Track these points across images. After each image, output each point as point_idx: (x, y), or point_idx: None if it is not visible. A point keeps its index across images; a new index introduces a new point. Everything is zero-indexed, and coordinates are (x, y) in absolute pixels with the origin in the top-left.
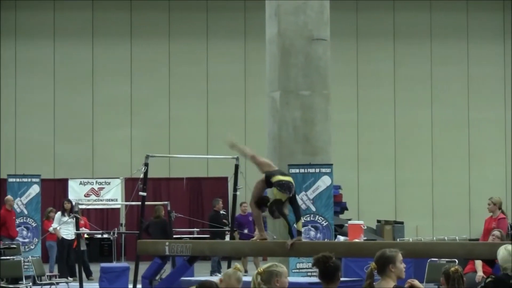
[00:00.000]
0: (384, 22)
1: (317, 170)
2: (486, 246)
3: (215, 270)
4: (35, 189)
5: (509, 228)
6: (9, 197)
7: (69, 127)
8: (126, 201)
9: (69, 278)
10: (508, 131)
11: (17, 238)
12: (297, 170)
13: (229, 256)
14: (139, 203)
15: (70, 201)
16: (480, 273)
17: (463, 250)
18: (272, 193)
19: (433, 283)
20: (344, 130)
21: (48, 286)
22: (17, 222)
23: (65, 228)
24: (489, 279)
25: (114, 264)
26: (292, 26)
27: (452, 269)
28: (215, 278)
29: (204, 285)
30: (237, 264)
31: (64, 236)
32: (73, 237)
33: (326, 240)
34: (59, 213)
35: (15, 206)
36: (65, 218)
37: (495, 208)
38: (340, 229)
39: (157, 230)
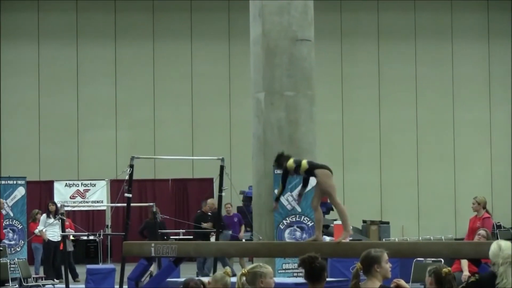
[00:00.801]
0: (368, 22)
1: None
2: (471, 246)
3: (201, 270)
4: (20, 191)
5: (494, 227)
6: None
7: (54, 129)
8: (111, 202)
9: (55, 280)
10: (493, 131)
11: (3, 240)
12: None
13: (215, 257)
14: (125, 204)
15: (54, 203)
16: (466, 273)
17: (449, 250)
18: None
19: (419, 283)
20: (329, 131)
21: None
22: (3, 224)
23: (50, 230)
24: (472, 279)
25: (100, 265)
26: (276, 26)
27: (445, 270)
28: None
29: (189, 284)
30: (227, 268)
31: (50, 238)
32: (59, 239)
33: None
34: (44, 215)
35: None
36: (51, 220)
37: (480, 208)
38: (326, 229)
39: (153, 231)
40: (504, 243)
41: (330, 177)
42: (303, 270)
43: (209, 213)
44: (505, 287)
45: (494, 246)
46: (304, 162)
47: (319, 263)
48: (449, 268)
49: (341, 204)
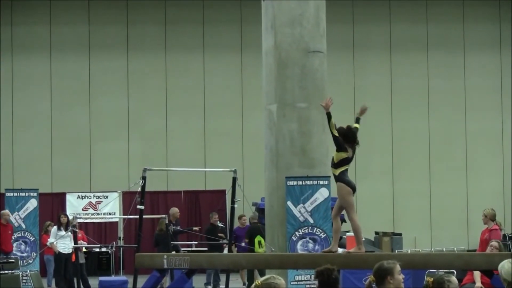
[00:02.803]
0: (381, 34)
1: (315, 182)
2: (483, 257)
3: (209, 283)
4: (33, 203)
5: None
6: (5, 211)
7: (66, 141)
8: (124, 214)
9: None
10: (505, 142)
11: (15, 252)
12: (295, 183)
13: (227, 269)
14: (137, 216)
15: (66, 215)
16: (478, 284)
17: (461, 261)
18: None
19: None
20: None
21: None
22: (15, 236)
23: (61, 242)
24: None
25: (113, 277)
26: (288, 38)
27: (429, 279)
28: None
29: None
30: (257, 281)
31: (61, 250)
32: (70, 251)
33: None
34: (55, 227)
35: (13, 220)
36: (62, 233)
37: (488, 220)
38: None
39: (165, 242)
40: None
41: (349, 194)
42: (316, 282)
43: (220, 225)
44: None
45: (508, 265)
46: (337, 171)
47: (335, 275)
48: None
49: (356, 221)
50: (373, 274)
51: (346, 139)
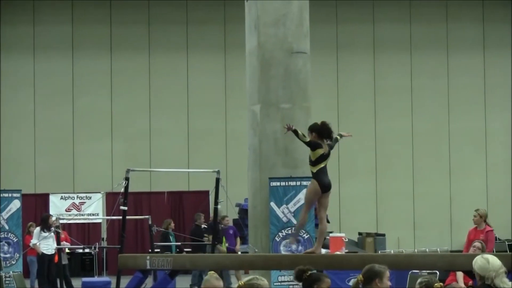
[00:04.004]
0: (364, 34)
1: (298, 183)
2: (466, 258)
3: (195, 283)
4: (16, 204)
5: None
6: None
7: (49, 142)
8: (107, 215)
9: None
10: (489, 142)
11: None
12: (278, 183)
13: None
14: (121, 217)
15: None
16: (461, 285)
17: (444, 262)
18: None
19: None
20: None
21: None
22: None
23: (44, 243)
24: None
25: (96, 278)
26: (272, 38)
27: (437, 285)
28: None
29: None
30: (241, 281)
31: (44, 251)
32: (53, 251)
33: None
34: (37, 228)
35: None
36: (45, 234)
37: (481, 221)
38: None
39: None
40: (489, 256)
41: (314, 192)
42: (299, 283)
43: (203, 226)
44: None
45: (480, 260)
46: (315, 168)
47: (309, 275)
48: (441, 284)
49: (305, 218)
50: (362, 274)
51: (321, 134)
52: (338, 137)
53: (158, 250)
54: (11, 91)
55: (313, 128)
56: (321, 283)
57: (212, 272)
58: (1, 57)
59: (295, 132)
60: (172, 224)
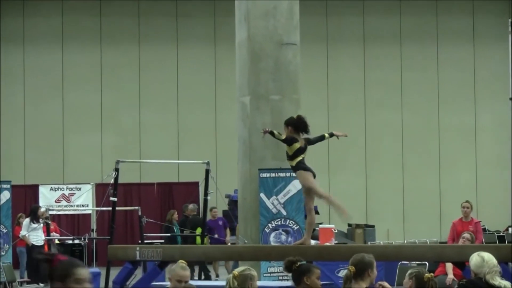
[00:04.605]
0: (354, 26)
1: (288, 174)
2: (455, 249)
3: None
4: (5, 196)
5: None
6: None
7: (39, 133)
8: (97, 206)
9: (40, 284)
10: (479, 136)
11: None
12: (268, 175)
13: (200, 261)
14: (110, 208)
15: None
16: (450, 276)
17: (433, 253)
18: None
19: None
20: (314, 135)
21: None
22: None
23: (34, 234)
24: (461, 282)
25: None
26: (262, 30)
27: (427, 275)
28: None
29: None
30: (235, 272)
31: (34, 242)
32: (42, 243)
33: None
34: (27, 219)
35: None
36: (34, 225)
37: (470, 212)
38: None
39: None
40: (486, 254)
41: (309, 177)
42: (289, 274)
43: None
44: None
45: (475, 258)
46: (294, 162)
47: (298, 266)
48: (432, 274)
49: (324, 193)
50: (354, 265)
51: (297, 128)
52: (327, 135)
53: (163, 241)
54: (0, 84)
55: (289, 122)
56: (311, 274)
57: (181, 261)
58: None
59: (271, 133)
60: (176, 215)
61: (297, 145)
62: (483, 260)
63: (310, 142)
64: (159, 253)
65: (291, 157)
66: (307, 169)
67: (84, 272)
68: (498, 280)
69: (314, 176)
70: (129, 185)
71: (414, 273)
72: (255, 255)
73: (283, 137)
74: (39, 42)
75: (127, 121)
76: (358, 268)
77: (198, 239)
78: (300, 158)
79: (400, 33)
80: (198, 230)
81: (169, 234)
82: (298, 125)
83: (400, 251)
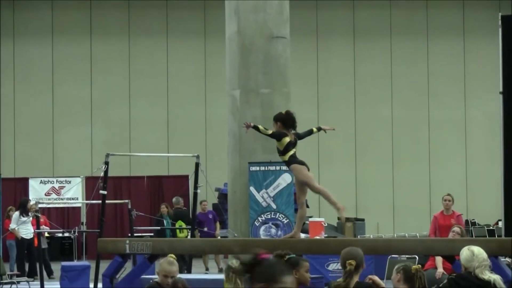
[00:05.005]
0: (344, 20)
1: (278, 168)
2: (445, 243)
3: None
4: None
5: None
6: None
7: (29, 126)
8: (86, 199)
9: (31, 277)
10: (469, 130)
11: None
12: (258, 168)
13: (190, 254)
14: (100, 201)
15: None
16: (440, 270)
17: (423, 247)
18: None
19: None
20: (304, 128)
21: (9, 286)
22: None
23: (24, 227)
24: (451, 277)
25: (75, 262)
26: (252, 24)
27: (415, 267)
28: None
29: (177, 284)
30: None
31: (23, 236)
32: (32, 236)
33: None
34: (16, 213)
35: None
36: (24, 218)
37: (452, 205)
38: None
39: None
40: (476, 248)
41: (303, 170)
42: None
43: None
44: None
45: (465, 252)
46: (286, 156)
47: (287, 260)
48: (419, 265)
49: (320, 187)
50: (354, 259)
51: (285, 124)
52: (315, 129)
53: (152, 234)
54: None
55: (278, 118)
56: (300, 267)
57: (170, 255)
58: None
59: (256, 128)
60: (165, 209)
61: (286, 139)
62: (473, 254)
63: (299, 136)
64: (148, 246)
65: (282, 152)
66: (301, 162)
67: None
68: (487, 274)
69: (308, 169)
70: (119, 178)
71: (402, 267)
72: (245, 249)
73: (270, 132)
74: (29, 35)
75: (117, 114)
76: (358, 261)
77: (179, 232)
78: (291, 152)
79: (390, 27)
80: (179, 223)
81: (158, 228)
82: (286, 120)
83: (390, 244)
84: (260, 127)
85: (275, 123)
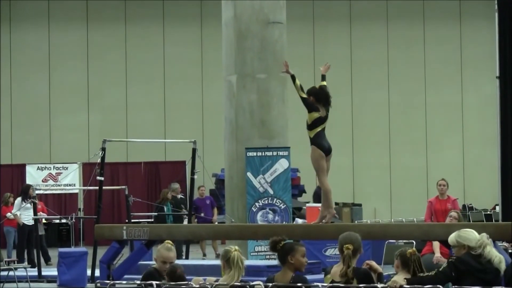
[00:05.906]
0: (340, 5)
1: (275, 153)
2: (443, 227)
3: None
4: None
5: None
6: None
7: (26, 113)
8: (84, 186)
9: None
10: (465, 115)
11: None
12: (255, 153)
13: (188, 240)
14: (97, 187)
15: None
16: (437, 254)
17: (420, 232)
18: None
19: (391, 265)
20: (301, 114)
21: (6, 272)
22: None
23: (25, 214)
24: (450, 260)
25: (72, 249)
26: (248, 9)
27: (410, 251)
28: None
29: (176, 270)
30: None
31: (25, 222)
32: (33, 222)
33: (284, 223)
34: (19, 199)
35: None
36: (27, 205)
37: (447, 190)
38: (298, 212)
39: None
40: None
41: (320, 157)
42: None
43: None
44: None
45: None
46: (312, 132)
47: (283, 245)
48: (414, 249)
49: (326, 184)
50: (352, 244)
51: (318, 99)
52: (324, 82)
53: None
54: None
55: (311, 92)
56: (295, 253)
57: (167, 241)
58: None
59: (293, 78)
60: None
61: (315, 115)
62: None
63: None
64: (146, 232)
65: (309, 127)
66: (321, 146)
67: None
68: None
69: (329, 151)
70: (116, 164)
71: (398, 253)
72: (242, 234)
73: (303, 95)
74: (25, 21)
75: (113, 100)
76: (356, 246)
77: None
78: (319, 129)
79: (386, 12)
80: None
81: (156, 213)
82: (319, 95)
83: (387, 229)
84: (297, 81)
85: (308, 97)
